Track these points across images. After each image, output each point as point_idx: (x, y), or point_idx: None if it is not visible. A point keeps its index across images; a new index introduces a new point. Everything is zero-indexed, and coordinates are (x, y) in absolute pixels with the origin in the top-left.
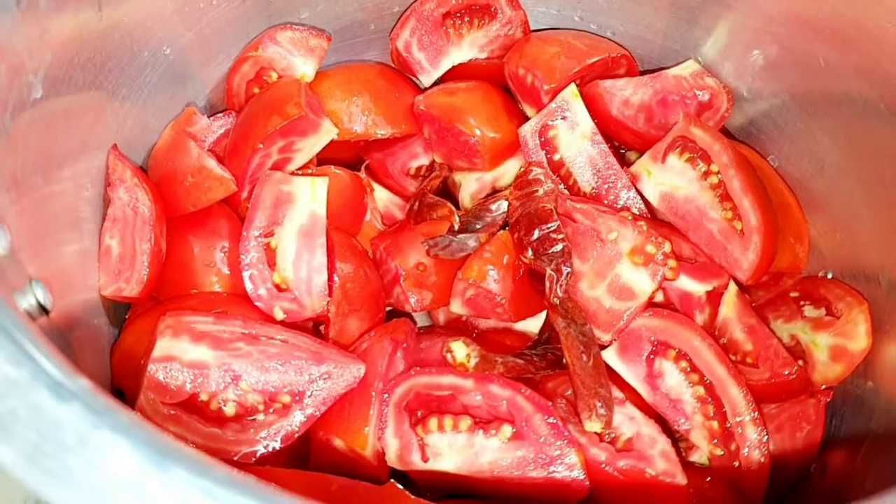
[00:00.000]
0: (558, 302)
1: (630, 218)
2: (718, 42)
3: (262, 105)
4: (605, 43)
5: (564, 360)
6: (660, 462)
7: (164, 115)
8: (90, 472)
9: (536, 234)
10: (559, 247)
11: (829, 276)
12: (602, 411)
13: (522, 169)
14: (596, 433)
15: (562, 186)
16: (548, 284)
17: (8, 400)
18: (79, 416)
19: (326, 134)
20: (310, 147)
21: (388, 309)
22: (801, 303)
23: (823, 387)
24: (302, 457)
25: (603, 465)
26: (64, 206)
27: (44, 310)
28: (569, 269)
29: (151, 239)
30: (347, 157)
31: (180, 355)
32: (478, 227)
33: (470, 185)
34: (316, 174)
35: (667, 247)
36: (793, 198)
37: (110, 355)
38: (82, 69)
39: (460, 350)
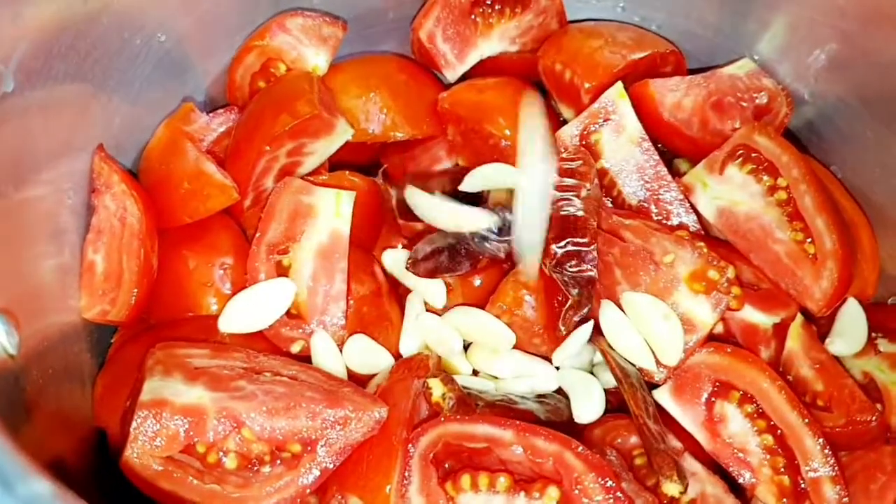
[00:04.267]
0: (564, 331)
1: (688, 238)
2: (776, 38)
3: (269, 101)
4: (650, 37)
5: (631, 411)
6: None
7: (157, 111)
8: None
9: (565, 244)
10: (589, 274)
11: None
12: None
13: (566, 153)
14: (663, 493)
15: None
16: (564, 311)
17: None
18: None
19: (341, 135)
20: (322, 150)
21: None
22: (873, 334)
23: None
24: None
25: None
26: (41, 215)
27: (6, 353)
28: (589, 307)
29: (141, 254)
30: (362, 160)
31: (172, 399)
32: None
33: (499, 195)
34: (329, 182)
35: (731, 272)
36: (860, 214)
37: (92, 388)
38: (63, 58)
39: (437, 388)
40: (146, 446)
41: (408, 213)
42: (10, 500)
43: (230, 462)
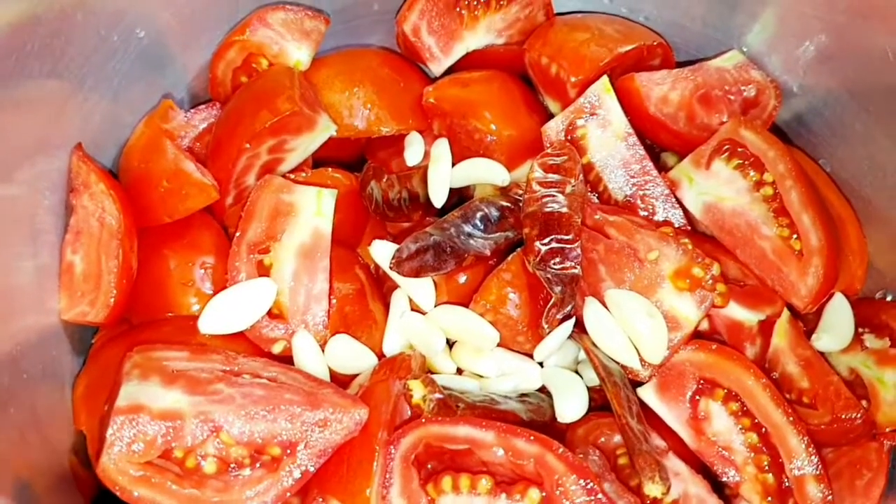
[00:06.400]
0: (547, 329)
1: (672, 234)
2: (765, 30)
3: (249, 98)
4: (638, 29)
5: (614, 410)
6: None
7: (138, 109)
8: None
9: (549, 241)
10: (573, 271)
11: (889, 298)
12: (665, 473)
13: (551, 148)
14: (646, 494)
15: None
16: (548, 309)
17: None
18: None
19: (324, 131)
20: (304, 146)
21: None
22: (860, 330)
23: (888, 429)
24: None
25: None
26: (18, 215)
27: None
28: (573, 305)
29: (120, 254)
30: (347, 155)
31: (149, 403)
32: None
33: (485, 191)
34: (311, 179)
35: (715, 269)
36: (848, 208)
37: (72, 389)
38: (37, 56)
39: (418, 391)
40: (123, 452)
41: (387, 213)
42: None
43: (209, 466)
